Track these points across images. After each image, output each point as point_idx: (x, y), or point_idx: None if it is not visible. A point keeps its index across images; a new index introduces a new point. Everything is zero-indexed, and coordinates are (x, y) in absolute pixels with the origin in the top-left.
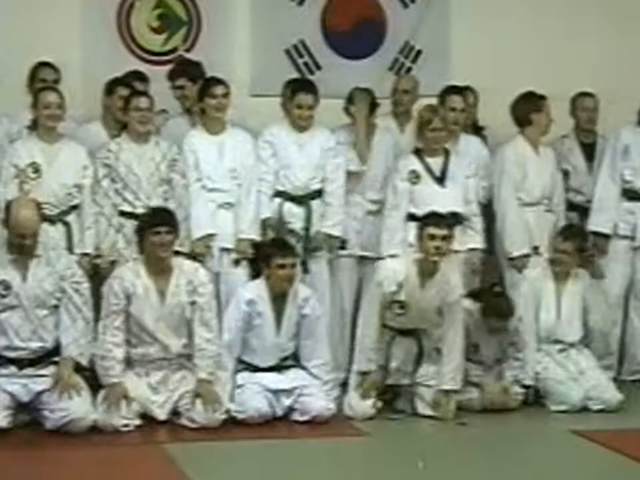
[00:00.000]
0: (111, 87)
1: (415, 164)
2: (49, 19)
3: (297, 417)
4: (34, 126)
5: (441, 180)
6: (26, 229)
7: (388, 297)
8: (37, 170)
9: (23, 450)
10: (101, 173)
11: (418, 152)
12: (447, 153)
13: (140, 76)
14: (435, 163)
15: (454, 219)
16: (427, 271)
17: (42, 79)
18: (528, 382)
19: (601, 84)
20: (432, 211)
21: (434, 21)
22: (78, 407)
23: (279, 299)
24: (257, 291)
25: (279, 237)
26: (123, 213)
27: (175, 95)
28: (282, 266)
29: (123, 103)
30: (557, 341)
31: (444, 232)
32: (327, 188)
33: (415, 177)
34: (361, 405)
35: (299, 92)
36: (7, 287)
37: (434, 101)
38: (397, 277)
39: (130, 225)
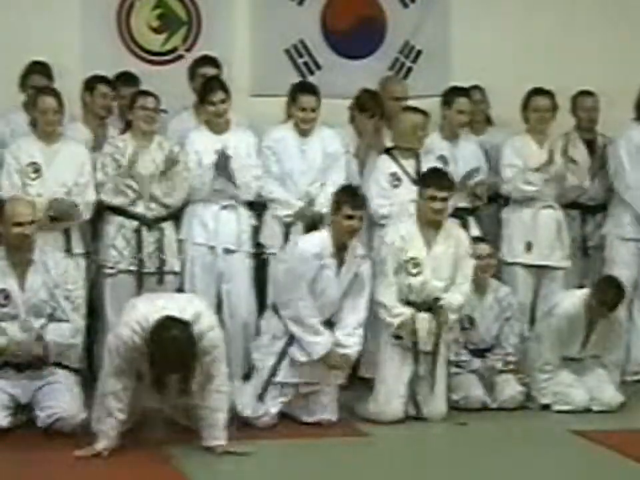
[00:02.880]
0: (92, 83)
1: (392, 166)
2: (49, 19)
3: (302, 415)
4: (34, 124)
5: (417, 182)
6: (21, 216)
7: (398, 255)
8: (36, 170)
9: (22, 450)
10: (111, 167)
11: (389, 152)
12: (416, 154)
13: (129, 77)
14: (409, 164)
15: None
16: (430, 227)
17: (31, 85)
18: (545, 401)
19: (601, 81)
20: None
21: (434, 21)
22: (67, 405)
23: (339, 252)
24: (320, 243)
25: (351, 188)
26: (122, 212)
27: (197, 85)
28: (350, 217)
29: (129, 101)
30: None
31: (444, 194)
32: (328, 189)
33: (396, 180)
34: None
35: (301, 94)
36: (7, 296)
37: (434, 101)
38: (400, 231)
39: (129, 225)
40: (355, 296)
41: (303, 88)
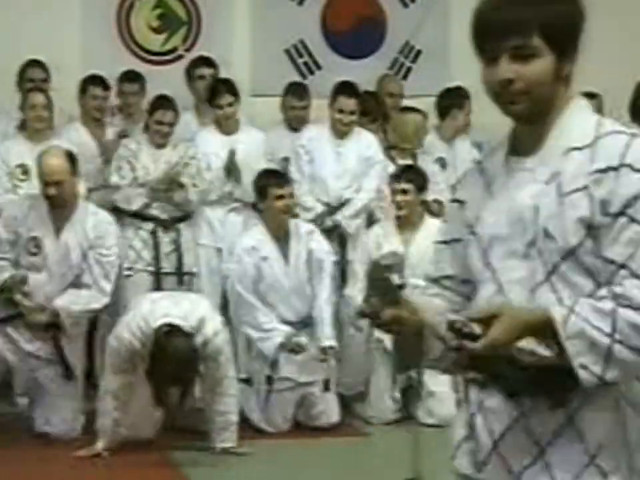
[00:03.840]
0: (84, 85)
1: (390, 166)
2: (49, 19)
3: (302, 418)
4: (23, 126)
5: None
6: (50, 175)
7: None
8: (25, 172)
9: (22, 452)
10: (126, 170)
11: (387, 153)
12: (413, 154)
13: (131, 76)
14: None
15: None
16: (407, 226)
17: (30, 78)
18: None
19: (602, 83)
20: (267, 169)
21: (434, 21)
22: (63, 426)
23: (281, 238)
24: (255, 235)
25: (270, 170)
26: (137, 215)
27: (196, 86)
28: (280, 197)
29: (150, 106)
30: None
31: (404, 186)
32: (359, 195)
33: None
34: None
35: (341, 95)
36: (37, 245)
37: (433, 101)
38: (376, 233)
39: (145, 227)
40: (317, 280)
41: (343, 89)
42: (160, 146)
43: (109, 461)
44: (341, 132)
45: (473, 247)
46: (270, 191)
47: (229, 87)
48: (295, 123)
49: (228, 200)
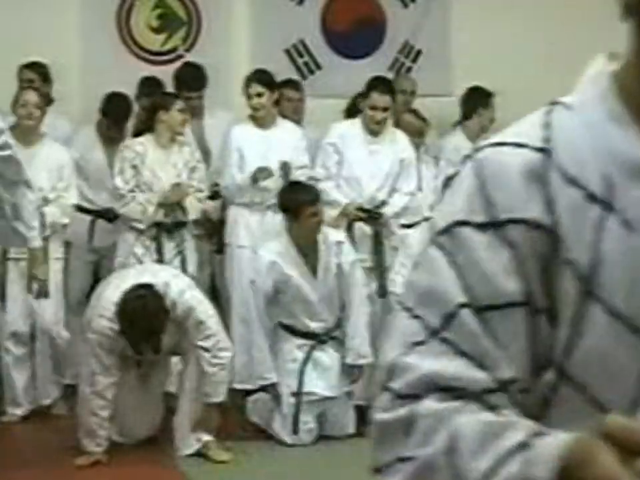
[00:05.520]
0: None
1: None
2: (48, 19)
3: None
4: (14, 128)
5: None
6: None
7: None
8: None
9: (20, 452)
10: (129, 174)
11: None
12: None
13: (152, 82)
14: None
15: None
16: None
17: (27, 79)
18: None
19: None
20: None
21: (434, 21)
22: None
23: (309, 253)
24: (277, 248)
25: (300, 185)
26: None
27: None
28: (315, 214)
29: (152, 105)
30: None
31: None
32: (395, 197)
33: None
34: None
35: (373, 91)
36: None
37: (433, 100)
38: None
39: (148, 233)
40: (347, 294)
41: (377, 85)
42: (169, 141)
43: (107, 458)
44: (374, 130)
45: (609, 330)
46: (303, 209)
47: (259, 77)
48: (292, 116)
49: (265, 197)
